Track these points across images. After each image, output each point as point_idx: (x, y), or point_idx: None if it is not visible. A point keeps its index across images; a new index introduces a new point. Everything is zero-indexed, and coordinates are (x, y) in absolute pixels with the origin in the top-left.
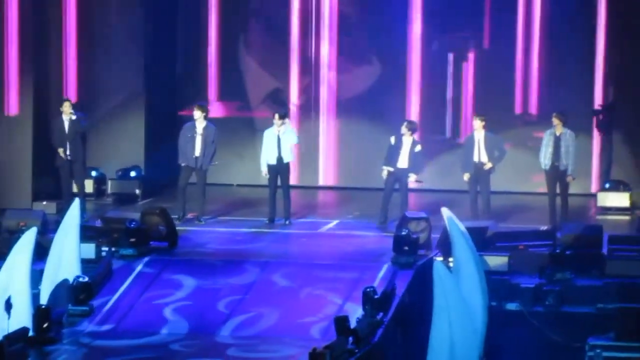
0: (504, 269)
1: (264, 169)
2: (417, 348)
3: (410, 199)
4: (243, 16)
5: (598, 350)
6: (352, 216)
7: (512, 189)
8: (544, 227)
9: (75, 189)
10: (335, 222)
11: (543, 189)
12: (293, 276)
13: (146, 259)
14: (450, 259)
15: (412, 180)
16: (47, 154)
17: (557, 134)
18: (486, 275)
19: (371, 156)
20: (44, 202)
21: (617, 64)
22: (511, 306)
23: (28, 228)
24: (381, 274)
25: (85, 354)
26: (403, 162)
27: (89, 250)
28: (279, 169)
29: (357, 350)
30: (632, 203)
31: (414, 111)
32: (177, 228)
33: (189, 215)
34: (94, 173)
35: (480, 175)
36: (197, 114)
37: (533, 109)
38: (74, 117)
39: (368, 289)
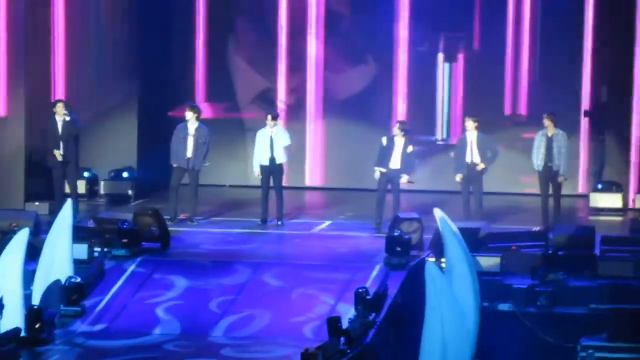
0: (496, 269)
1: (257, 170)
2: (410, 349)
3: (403, 199)
4: (231, 17)
5: (590, 351)
6: (345, 217)
7: (500, 190)
8: (536, 228)
9: (67, 189)
10: (327, 222)
11: (531, 189)
12: (285, 277)
13: (138, 259)
14: (443, 260)
15: (404, 181)
16: (40, 155)
17: (549, 134)
18: (478, 276)
19: (358, 157)
20: (37, 203)
21: (609, 64)
22: (503, 307)
23: (20, 229)
24: (373, 274)
25: (78, 355)
26: (395, 163)
27: (82, 250)
28: (272, 170)
29: (349, 351)
30: (624, 204)
31: (402, 111)
32: (170, 229)
33: (181, 216)
34: (86, 174)
35: (472, 176)
36: (189, 115)
37: (523, 109)
38: (67, 118)
39: (360, 290)
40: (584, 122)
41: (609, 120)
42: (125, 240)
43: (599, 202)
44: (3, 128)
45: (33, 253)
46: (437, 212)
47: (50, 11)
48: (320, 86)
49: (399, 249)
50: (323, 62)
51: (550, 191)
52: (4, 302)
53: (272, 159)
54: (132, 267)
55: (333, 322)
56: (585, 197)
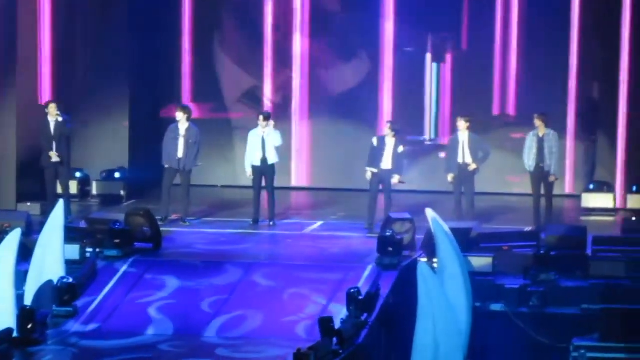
0: (488, 269)
1: (249, 171)
2: (402, 349)
3: (394, 199)
4: (217, 16)
5: (582, 351)
6: (336, 217)
7: (488, 190)
8: (528, 228)
9: (59, 190)
10: (319, 223)
11: (518, 189)
12: (277, 277)
13: (130, 260)
14: (435, 260)
15: (395, 181)
16: (32, 155)
17: (541, 135)
18: (470, 276)
19: (345, 156)
20: (28, 204)
21: (598, 63)
22: (496, 307)
23: (12, 229)
24: (366, 274)
25: (71, 355)
26: (387, 163)
27: (74, 251)
28: (264, 170)
29: (341, 351)
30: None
31: (389, 111)
32: (162, 229)
33: (173, 217)
34: (78, 174)
35: (464, 176)
36: (180, 116)
37: (511, 109)
38: (60, 119)
39: (352, 290)
40: (573, 121)
41: (599, 119)
42: (117, 241)
43: (591, 203)
44: None
45: (25, 253)
46: (429, 213)
47: (37, 11)
48: (306, 85)
49: (391, 249)
50: (309, 60)
51: (542, 191)
52: None
53: (264, 160)
54: (124, 268)
55: (325, 323)
56: (573, 197)
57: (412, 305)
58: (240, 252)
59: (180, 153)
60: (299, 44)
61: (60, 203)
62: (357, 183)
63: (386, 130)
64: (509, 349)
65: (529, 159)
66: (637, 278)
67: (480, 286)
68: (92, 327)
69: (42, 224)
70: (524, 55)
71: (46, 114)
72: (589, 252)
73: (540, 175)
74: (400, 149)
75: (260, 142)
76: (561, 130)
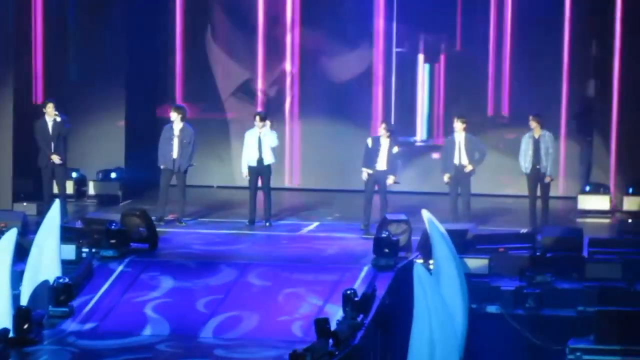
0: (484, 271)
1: (245, 171)
2: (398, 350)
3: (389, 201)
4: (209, 14)
5: (578, 353)
6: (332, 218)
7: (482, 191)
8: (524, 230)
9: (56, 190)
10: (315, 224)
11: (512, 190)
12: (273, 277)
13: (126, 260)
14: (431, 261)
15: (390, 182)
16: (28, 155)
17: (536, 136)
18: (466, 277)
19: (336, 157)
20: (25, 203)
21: (591, 64)
22: (491, 309)
23: (8, 229)
24: (362, 275)
25: (67, 355)
26: (382, 164)
27: (70, 251)
28: (260, 171)
29: (337, 352)
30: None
31: (382, 112)
32: (158, 230)
33: (170, 217)
34: (74, 174)
35: (460, 177)
36: (174, 116)
37: (505, 110)
38: (58, 119)
39: (348, 291)
40: (566, 122)
41: (592, 120)
42: (113, 241)
43: (587, 204)
44: None
45: (21, 253)
46: (425, 214)
47: (31, 11)
48: (295, 83)
49: (387, 250)
50: (298, 58)
51: (539, 193)
52: None
53: (260, 160)
54: (120, 268)
55: (321, 324)
56: (568, 199)
57: (408, 306)
58: (236, 253)
59: (174, 154)
60: (289, 42)
61: (57, 203)
62: (350, 184)
63: (381, 130)
64: (505, 351)
65: (525, 161)
66: (633, 280)
67: (476, 288)
68: (88, 327)
69: (38, 224)
70: (518, 56)
71: (43, 114)
72: (584, 254)
73: (537, 177)
74: (395, 149)
75: (257, 143)
76: (555, 131)
